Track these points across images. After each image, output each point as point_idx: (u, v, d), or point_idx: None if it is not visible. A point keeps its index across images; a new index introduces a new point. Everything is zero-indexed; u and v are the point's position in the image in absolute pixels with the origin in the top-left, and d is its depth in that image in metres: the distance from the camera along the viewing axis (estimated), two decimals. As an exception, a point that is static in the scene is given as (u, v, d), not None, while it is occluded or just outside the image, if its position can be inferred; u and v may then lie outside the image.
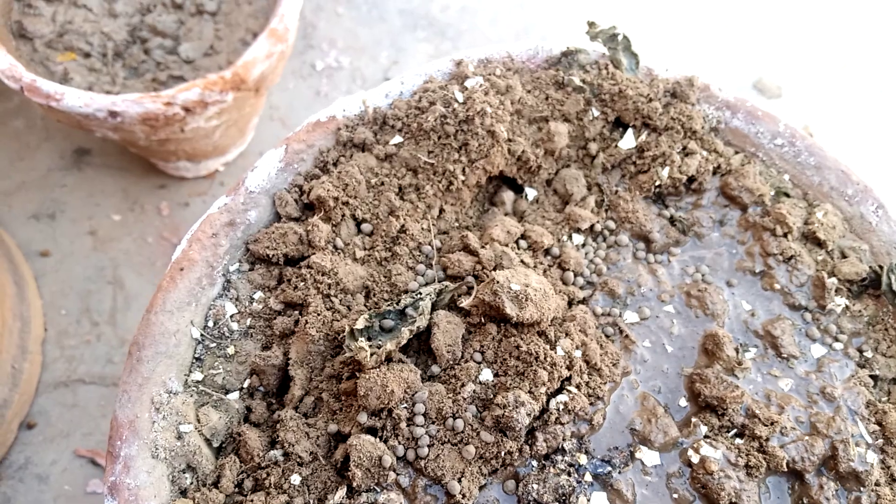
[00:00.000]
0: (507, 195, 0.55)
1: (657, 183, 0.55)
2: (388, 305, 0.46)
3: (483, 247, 0.50)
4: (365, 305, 0.49)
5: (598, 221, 0.55)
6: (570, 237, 0.53)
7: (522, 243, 0.52)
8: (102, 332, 0.95)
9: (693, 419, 0.47)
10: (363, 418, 0.44)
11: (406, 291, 0.48)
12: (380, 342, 0.44)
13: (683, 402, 0.48)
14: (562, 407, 0.43)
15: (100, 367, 0.94)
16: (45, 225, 1.01)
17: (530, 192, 0.56)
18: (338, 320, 0.48)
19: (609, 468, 0.45)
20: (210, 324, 0.48)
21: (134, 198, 1.03)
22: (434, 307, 0.48)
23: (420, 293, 0.47)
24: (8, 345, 0.89)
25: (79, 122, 0.78)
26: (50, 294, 0.97)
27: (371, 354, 0.43)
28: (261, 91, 0.84)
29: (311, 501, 0.43)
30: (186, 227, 1.01)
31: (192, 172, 1.02)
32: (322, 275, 0.48)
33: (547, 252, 0.52)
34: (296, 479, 0.43)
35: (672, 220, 0.55)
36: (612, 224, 0.55)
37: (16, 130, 1.06)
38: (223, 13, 0.86)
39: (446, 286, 0.48)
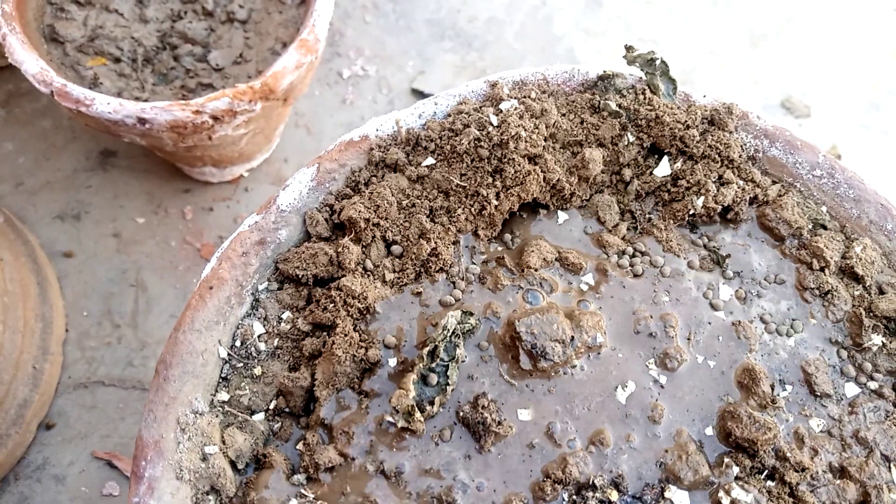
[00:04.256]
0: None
1: (691, 212, 0.54)
2: (424, 363, 0.45)
3: (522, 271, 0.49)
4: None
5: (627, 248, 0.54)
6: (601, 265, 0.53)
7: (557, 265, 0.52)
8: (123, 335, 0.96)
9: (725, 459, 0.46)
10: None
11: (434, 325, 0.48)
12: (425, 405, 0.44)
13: (716, 439, 0.47)
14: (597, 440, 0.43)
15: (119, 370, 0.94)
16: (70, 226, 1.01)
17: (562, 216, 0.55)
18: (364, 342, 0.48)
19: (638, 505, 0.44)
20: (237, 343, 0.48)
21: (158, 201, 1.03)
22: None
23: (445, 329, 0.46)
24: (29, 345, 0.89)
25: (107, 127, 0.78)
26: (72, 295, 0.97)
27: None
28: (289, 101, 0.83)
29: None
30: (210, 231, 1.02)
31: (217, 177, 1.02)
32: (352, 298, 0.47)
33: (579, 270, 0.52)
34: (320, 505, 0.42)
35: (706, 248, 0.54)
36: (642, 251, 0.54)
37: (43, 130, 1.07)
38: (253, 21, 0.86)
39: (471, 326, 0.47)
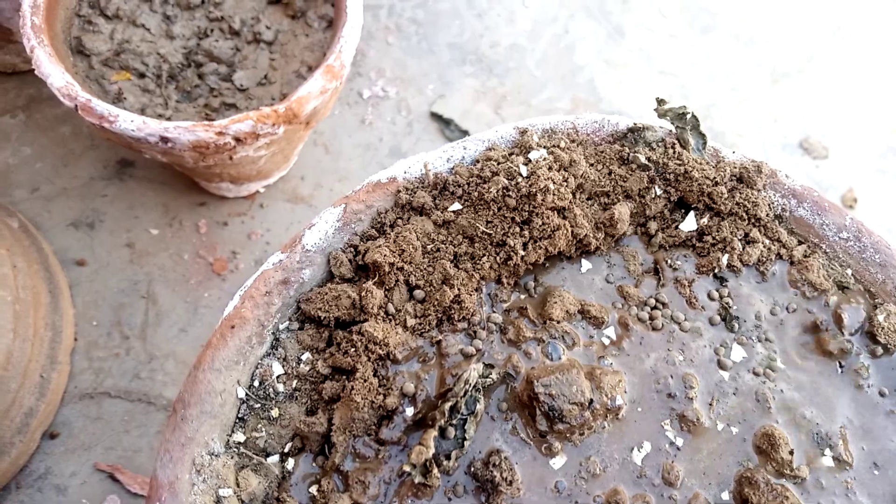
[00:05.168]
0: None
1: (716, 269, 0.53)
2: (445, 419, 0.45)
3: (544, 322, 0.49)
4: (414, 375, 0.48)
5: (649, 300, 0.54)
6: (623, 319, 0.53)
7: (579, 317, 0.52)
8: (132, 347, 0.96)
9: (743, 528, 0.46)
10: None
11: (454, 375, 0.47)
12: (441, 459, 0.44)
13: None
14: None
15: (126, 382, 0.94)
16: (84, 234, 1.01)
17: (585, 265, 0.55)
18: (384, 387, 0.47)
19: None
20: (256, 383, 0.48)
21: (173, 213, 1.03)
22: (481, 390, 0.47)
23: (467, 384, 0.45)
24: (38, 354, 0.89)
25: (129, 143, 0.78)
26: (83, 304, 0.97)
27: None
28: (311, 124, 0.83)
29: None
30: (223, 246, 1.02)
31: (233, 193, 1.02)
32: (373, 344, 0.47)
33: (601, 323, 0.51)
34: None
35: (726, 308, 0.54)
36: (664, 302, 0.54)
37: (62, 137, 1.07)
38: (279, 43, 0.86)
39: (493, 381, 0.47)
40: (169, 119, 0.81)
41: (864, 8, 1.35)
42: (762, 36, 1.30)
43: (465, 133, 1.13)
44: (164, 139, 0.75)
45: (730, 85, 1.25)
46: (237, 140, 0.77)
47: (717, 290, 0.53)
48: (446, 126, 1.13)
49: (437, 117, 1.14)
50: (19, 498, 0.88)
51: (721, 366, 0.51)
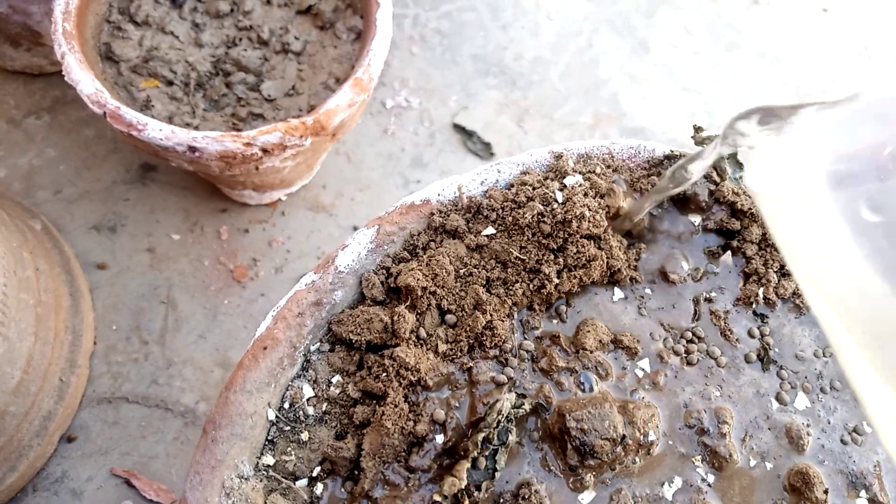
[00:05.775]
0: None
1: (753, 303, 0.53)
2: (478, 450, 0.45)
3: (576, 351, 0.49)
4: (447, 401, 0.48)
5: (685, 332, 0.53)
6: (655, 349, 0.52)
7: (612, 346, 0.51)
8: (150, 352, 0.96)
9: (776, 569, 0.45)
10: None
11: (485, 403, 0.47)
12: (472, 490, 0.44)
13: (764, 545, 0.46)
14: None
15: (144, 387, 0.94)
16: (105, 237, 1.02)
17: (618, 293, 0.55)
18: (414, 413, 0.47)
19: None
20: (286, 405, 0.48)
21: (195, 219, 1.03)
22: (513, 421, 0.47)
23: (500, 414, 0.45)
24: (57, 357, 0.89)
25: (156, 151, 0.78)
26: (103, 308, 0.98)
27: None
28: (337, 136, 0.83)
29: None
30: (244, 253, 1.02)
31: (256, 200, 1.02)
32: (405, 369, 0.47)
33: (634, 354, 0.51)
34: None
35: (765, 346, 0.53)
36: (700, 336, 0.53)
37: (85, 139, 1.07)
38: (307, 54, 0.86)
39: (525, 412, 0.47)
40: (196, 128, 0.81)
41: (891, 28, 1.34)
42: (787, 54, 1.29)
43: (487, 145, 1.13)
44: (192, 149, 0.75)
45: (754, 103, 1.24)
46: (264, 151, 0.77)
47: (759, 329, 0.52)
48: (468, 138, 1.13)
49: (459, 129, 1.14)
50: (35, 501, 0.88)
51: (780, 400, 0.50)
